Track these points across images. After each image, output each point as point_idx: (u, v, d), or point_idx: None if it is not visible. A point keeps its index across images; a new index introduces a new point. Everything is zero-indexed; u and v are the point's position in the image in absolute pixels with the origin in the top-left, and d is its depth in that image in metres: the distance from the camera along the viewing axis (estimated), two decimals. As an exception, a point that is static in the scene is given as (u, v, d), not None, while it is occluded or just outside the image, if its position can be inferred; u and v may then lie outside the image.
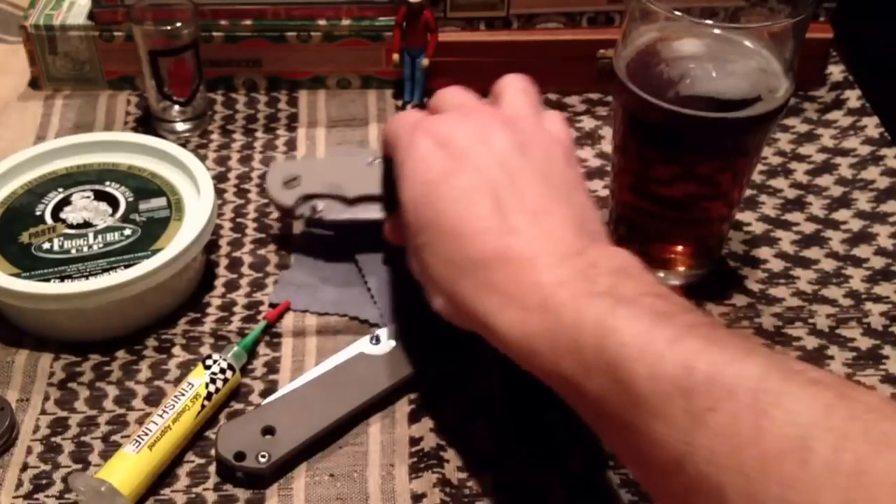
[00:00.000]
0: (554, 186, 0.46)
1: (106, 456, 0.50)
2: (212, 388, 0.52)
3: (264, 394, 0.54)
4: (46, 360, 0.56)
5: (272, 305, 0.59)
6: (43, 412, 0.54)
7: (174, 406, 0.51)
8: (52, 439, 0.52)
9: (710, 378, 0.34)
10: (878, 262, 0.63)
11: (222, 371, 0.53)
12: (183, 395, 0.51)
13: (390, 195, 0.52)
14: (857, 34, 0.81)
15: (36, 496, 0.50)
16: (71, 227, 0.59)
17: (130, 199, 0.61)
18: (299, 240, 0.64)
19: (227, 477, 0.50)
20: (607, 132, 0.73)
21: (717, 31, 0.54)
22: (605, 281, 0.41)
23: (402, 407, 0.54)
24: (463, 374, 0.55)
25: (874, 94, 0.76)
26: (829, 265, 0.63)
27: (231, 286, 0.61)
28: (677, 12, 0.51)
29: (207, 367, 0.53)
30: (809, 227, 0.66)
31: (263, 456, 0.50)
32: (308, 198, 0.62)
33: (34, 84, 0.77)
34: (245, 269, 0.62)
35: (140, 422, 0.52)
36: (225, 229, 0.65)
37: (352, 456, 0.52)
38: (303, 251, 0.63)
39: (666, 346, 0.36)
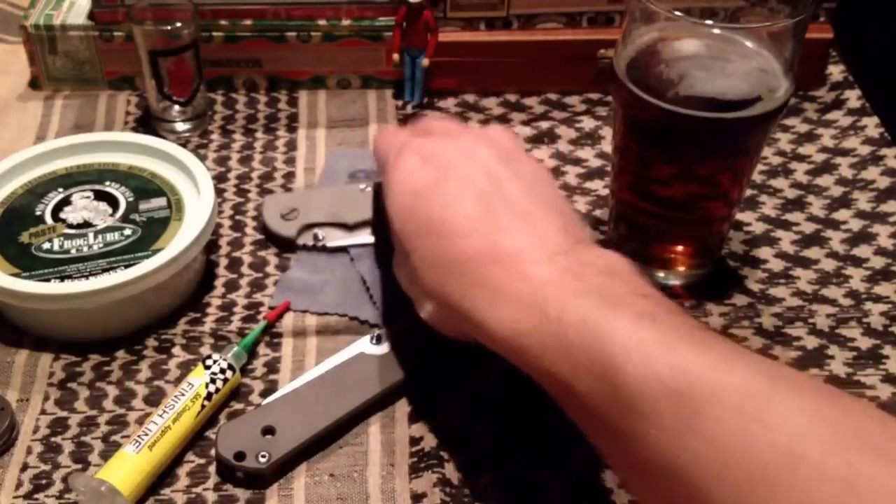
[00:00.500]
0: (540, 195, 0.47)
1: (106, 456, 0.50)
2: (212, 388, 0.52)
3: (264, 394, 0.54)
4: (46, 360, 0.56)
5: (272, 307, 0.59)
6: (43, 412, 0.54)
7: (174, 406, 0.51)
8: (52, 439, 0.52)
9: (698, 381, 0.34)
10: (878, 262, 0.63)
11: (222, 371, 0.53)
12: (183, 395, 0.51)
13: (379, 220, 0.53)
14: (857, 34, 0.81)
15: (36, 496, 0.50)
16: (71, 227, 0.59)
17: (130, 199, 0.61)
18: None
19: (227, 477, 0.50)
20: (607, 132, 0.73)
21: (717, 31, 0.54)
22: (594, 280, 0.41)
23: (402, 407, 0.54)
24: (463, 374, 0.55)
25: (874, 94, 0.76)
26: (829, 265, 0.63)
27: (231, 286, 0.61)
28: (677, 12, 0.51)
29: (207, 367, 0.53)
30: (809, 227, 0.66)
31: (263, 456, 0.50)
32: (308, 227, 0.63)
33: (34, 84, 0.77)
34: (245, 269, 0.62)
35: (140, 422, 0.52)
36: (225, 229, 0.65)
37: (352, 456, 0.52)
38: (303, 252, 0.63)
39: (655, 348, 0.36)
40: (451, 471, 0.51)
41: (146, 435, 0.50)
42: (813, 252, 0.64)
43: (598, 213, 0.66)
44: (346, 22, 0.74)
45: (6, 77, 0.78)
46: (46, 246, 0.57)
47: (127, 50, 0.72)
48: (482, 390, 0.54)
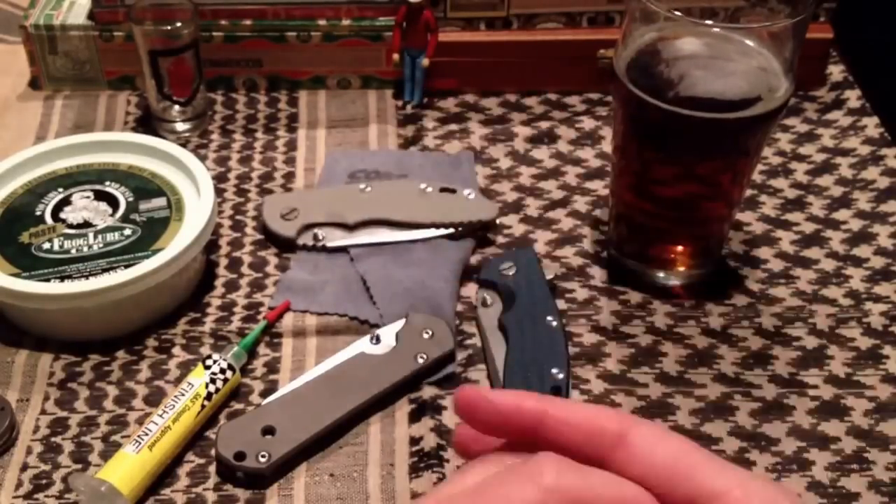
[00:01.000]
0: None
1: (106, 456, 0.50)
2: (212, 388, 0.52)
3: (264, 394, 0.54)
4: (46, 360, 0.56)
5: (272, 307, 0.59)
6: (43, 412, 0.54)
7: (174, 406, 0.51)
8: (52, 439, 0.52)
9: None
10: (878, 262, 0.63)
11: (222, 371, 0.53)
12: (183, 395, 0.51)
13: None
14: (857, 34, 0.81)
15: (36, 496, 0.50)
16: (71, 227, 0.59)
17: (130, 199, 0.61)
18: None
19: (227, 477, 0.50)
20: (607, 132, 0.73)
21: (717, 31, 0.54)
22: None
23: (402, 407, 0.54)
24: (463, 374, 0.55)
25: (874, 94, 0.76)
26: (829, 265, 0.63)
27: (231, 286, 0.61)
28: (677, 12, 0.51)
29: (207, 367, 0.53)
30: (809, 227, 0.66)
31: (263, 456, 0.50)
32: (308, 227, 0.63)
33: (34, 84, 0.77)
34: (245, 269, 0.62)
35: (140, 422, 0.52)
36: (225, 229, 0.65)
37: (352, 456, 0.52)
38: (302, 252, 0.63)
39: None
40: (451, 471, 0.51)
41: (146, 435, 0.50)
42: (813, 252, 0.64)
43: (598, 213, 0.66)
44: (346, 22, 0.74)
45: (6, 77, 0.78)
46: (46, 246, 0.57)
47: (127, 50, 0.72)
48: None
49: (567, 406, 0.33)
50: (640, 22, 0.54)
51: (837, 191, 0.68)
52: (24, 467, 0.51)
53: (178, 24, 0.68)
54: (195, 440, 0.52)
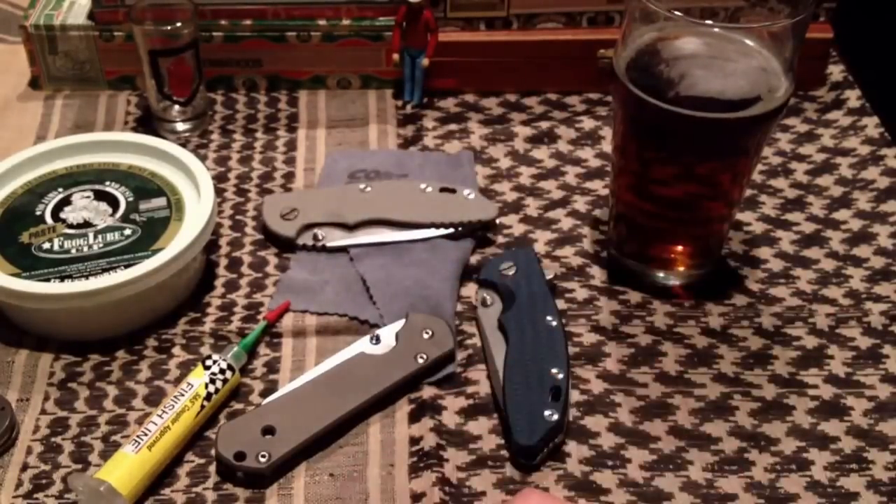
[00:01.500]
0: None
1: (106, 456, 0.50)
2: (211, 388, 0.52)
3: (264, 394, 0.54)
4: (46, 360, 0.56)
5: (272, 308, 0.59)
6: (43, 412, 0.54)
7: (174, 406, 0.51)
8: (52, 439, 0.52)
9: None
10: (878, 262, 0.63)
11: (222, 371, 0.53)
12: (182, 395, 0.51)
13: None
14: (857, 34, 0.81)
15: (36, 496, 0.50)
16: (71, 227, 0.59)
17: (130, 199, 0.61)
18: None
19: (227, 477, 0.50)
20: (607, 132, 0.73)
21: (716, 30, 0.54)
22: None
23: (402, 407, 0.54)
24: (463, 374, 0.55)
25: (874, 94, 0.76)
26: (829, 265, 0.63)
27: (231, 286, 0.61)
28: (677, 12, 0.51)
29: (207, 368, 0.53)
30: (809, 227, 0.66)
31: (263, 456, 0.50)
32: (308, 227, 0.63)
33: (34, 84, 0.77)
34: (245, 269, 0.62)
35: (140, 422, 0.52)
36: (225, 229, 0.65)
37: (352, 456, 0.52)
38: (302, 252, 0.63)
39: None
40: (450, 470, 0.51)
41: (145, 435, 0.50)
42: (813, 252, 0.64)
43: (597, 213, 0.66)
44: (346, 22, 0.74)
45: (6, 77, 0.78)
46: (46, 246, 0.58)
47: (127, 50, 0.72)
48: (482, 390, 0.54)
49: None
50: (640, 22, 0.54)
51: (837, 191, 0.68)
52: (24, 467, 0.51)
53: (178, 24, 0.68)
54: (195, 440, 0.52)
